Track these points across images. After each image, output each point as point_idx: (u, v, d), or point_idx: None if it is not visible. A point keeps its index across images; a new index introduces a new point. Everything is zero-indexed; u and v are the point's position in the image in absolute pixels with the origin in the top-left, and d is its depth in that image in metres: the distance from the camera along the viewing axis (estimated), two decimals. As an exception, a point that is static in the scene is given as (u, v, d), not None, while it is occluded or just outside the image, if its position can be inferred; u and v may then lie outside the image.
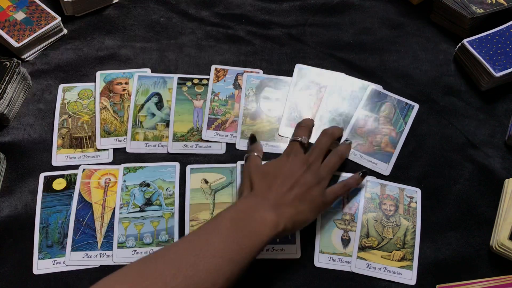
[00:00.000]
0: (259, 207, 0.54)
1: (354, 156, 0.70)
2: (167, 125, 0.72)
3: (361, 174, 0.65)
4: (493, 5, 0.79)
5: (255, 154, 0.64)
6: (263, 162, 0.64)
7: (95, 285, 0.46)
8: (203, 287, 0.47)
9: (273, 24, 0.83)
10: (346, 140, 0.68)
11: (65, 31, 0.80)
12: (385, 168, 0.69)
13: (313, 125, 0.68)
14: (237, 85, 0.76)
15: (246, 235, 0.51)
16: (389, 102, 0.75)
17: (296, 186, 0.57)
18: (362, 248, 0.64)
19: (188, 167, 0.68)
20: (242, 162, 0.68)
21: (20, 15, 0.77)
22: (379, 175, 0.69)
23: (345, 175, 0.68)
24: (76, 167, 0.68)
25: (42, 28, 0.76)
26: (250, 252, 0.51)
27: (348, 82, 0.76)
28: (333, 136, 0.65)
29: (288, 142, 0.65)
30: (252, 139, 0.68)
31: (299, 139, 0.63)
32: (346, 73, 0.77)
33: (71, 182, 0.67)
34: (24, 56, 0.77)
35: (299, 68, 0.77)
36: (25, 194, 0.66)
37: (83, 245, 0.63)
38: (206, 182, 0.67)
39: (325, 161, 0.62)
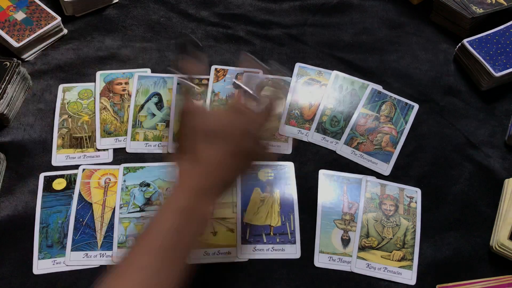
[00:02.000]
0: (204, 202, 0.47)
1: (355, 155, 0.70)
2: (167, 125, 0.72)
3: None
4: (493, 5, 0.79)
5: (188, 83, 0.52)
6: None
7: None
8: None
9: (273, 24, 0.83)
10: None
11: (65, 31, 0.80)
12: (385, 168, 0.69)
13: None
14: (237, 85, 0.76)
15: (190, 241, 0.46)
16: (389, 102, 0.75)
17: (244, 159, 0.51)
18: (362, 248, 0.64)
19: (188, 167, 0.68)
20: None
21: (20, 15, 0.77)
22: (378, 175, 0.69)
23: (347, 176, 0.68)
24: (76, 167, 0.68)
25: (42, 28, 0.76)
26: (187, 272, 0.45)
27: (348, 81, 0.76)
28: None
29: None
30: (181, 45, 0.56)
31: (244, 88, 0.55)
32: (346, 73, 0.77)
33: (71, 182, 0.67)
34: (24, 56, 0.77)
35: (299, 66, 0.77)
36: (25, 194, 0.66)
37: (83, 245, 0.63)
38: (206, 182, 0.67)
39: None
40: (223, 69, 0.77)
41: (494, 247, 0.62)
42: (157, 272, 0.42)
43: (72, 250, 0.62)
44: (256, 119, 0.52)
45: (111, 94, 0.74)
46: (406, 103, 0.75)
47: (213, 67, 0.77)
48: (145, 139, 0.71)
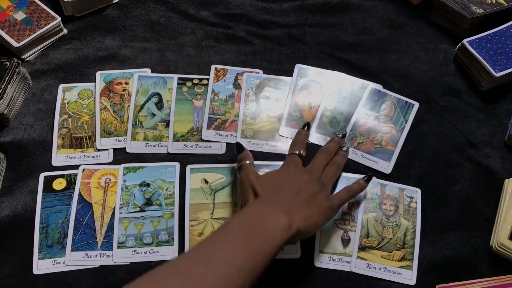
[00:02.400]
0: (269, 211, 0.53)
1: (355, 155, 0.70)
2: (167, 125, 0.72)
3: (365, 178, 0.64)
4: (493, 5, 0.79)
5: (248, 162, 0.62)
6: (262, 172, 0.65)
7: None
8: None
9: (273, 24, 0.83)
10: (342, 148, 0.67)
11: (65, 31, 0.80)
12: (387, 167, 0.69)
13: (308, 136, 0.69)
14: (237, 85, 0.76)
15: (258, 241, 0.50)
16: (389, 101, 0.75)
17: (301, 192, 0.57)
18: (362, 248, 0.64)
19: (188, 167, 0.68)
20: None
21: (20, 15, 0.77)
22: (380, 174, 0.69)
23: (348, 175, 0.68)
24: (76, 167, 0.68)
25: (42, 28, 0.76)
26: (263, 257, 0.49)
27: (348, 81, 0.76)
28: (329, 153, 0.65)
29: (286, 155, 0.65)
30: (239, 147, 0.64)
31: (297, 152, 0.63)
32: (346, 73, 0.77)
33: (71, 182, 0.67)
34: (24, 56, 0.77)
35: (299, 68, 0.77)
36: (25, 194, 0.66)
37: (83, 245, 0.63)
38: (206, 182, 0.67)
39: (324, 171, 0.63)
40: (223, 69, 0.77)
41: (494, 247, 0.62)
42: (223, 254, 0.48)
43: (72, 250, 0.62)
44: (313, 173, 0.62)
45: (111, 94, 0.74)
46: (406, 102, 0.75)
47: (213, 67, 0.77)
48: (145, 139, 0.71)
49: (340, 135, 0.68)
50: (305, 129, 0.68)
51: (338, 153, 0.66)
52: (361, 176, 0.66)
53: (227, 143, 0.71)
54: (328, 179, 0.62)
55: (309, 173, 0.61)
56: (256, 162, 0.65)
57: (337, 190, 0.63)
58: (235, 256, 0.48)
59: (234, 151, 0.64)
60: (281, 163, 0.68)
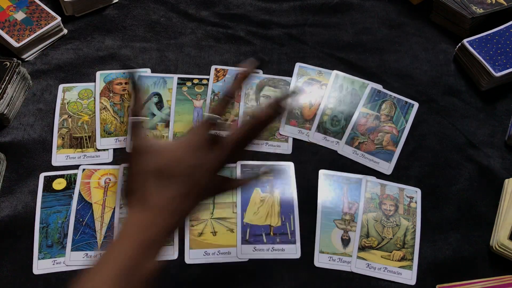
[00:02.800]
0: (151, 254, 0.42)
1: (356, 155, 0.70)
2: (167, 125, 0.72)
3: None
4: (493, 5, 0.79)
5: (138, 119, 0.46)
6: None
7: None
8: None
9: (273, 24, 0.83)
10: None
11: (65, 31, 0.80)
12: (387, 167, 0.69)
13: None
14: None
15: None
16: (389, 101, 0.75)
17: (199, 196, 0.45)
18: (362, 248, 0.64)
19: (188, 167, 0.68)
20: (242, 162, 0.68)
21: (20, 15, 0.77)
22: (380, 175, 0.69)
23: (348, 175, 0.68)
24: (76, 167, 0.68)
25: (42, 28, 0.76)
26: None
27: (349, 80, 0.76)
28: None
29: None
30: (133, 81, 0.47)
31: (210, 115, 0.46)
32: (346, 73, 0.77)
33: (71, 182, 0.67)
34: (24, 56, 0.77)
35: (299, 66, 0.77)
36: (25, 194, 0.66)
37: (83, 245, 0.63)
38: (206, 182, 0.67)
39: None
40: (223, 69, 0.77)
41: (494, 247, 0.62)
42: None
43: (72, 250, 0.62)
44: (216, 152, 0.45)
45: (111, 94, 0.74)
46: (406, 102, 0.75)
47: (213, 67, 0.77)
48: (145, 139, 0.71)
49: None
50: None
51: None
52: (361, 175, 0.65)
53: (227, 143, 0.71)
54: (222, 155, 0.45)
55: (203, 153, 0.45)
56: (256, 162, 0.65)
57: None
58: None
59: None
60: (281, 163, 0.68)
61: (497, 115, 0.75)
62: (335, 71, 0.77)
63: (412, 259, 0.63)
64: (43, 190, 0.66)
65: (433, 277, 0.62)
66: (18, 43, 0.74)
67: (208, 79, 0.76)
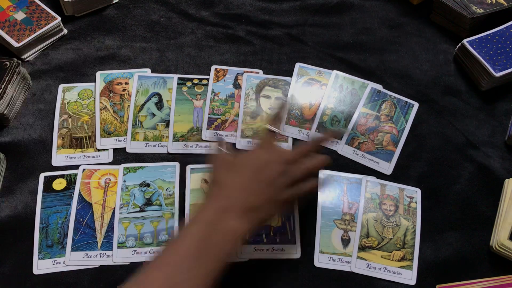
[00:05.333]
0: (223, 217, 0.51)
1: (356, 155, 0.70)
2: (167, 125, 0.72)
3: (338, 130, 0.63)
4: (493, 5, 0.79)
5: (218, 147, 0.60)
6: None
7: None
8: None
9: (273, 24, 0.83)
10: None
11: (65, 31, 0.80)
12: (387, 167, 0.69)
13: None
14: (237, 85, 0.76)
15: (213, 259, 0.49)
16: (389, 101, 0.75)
17: (270, 186, 0.53)
18: (362, 248, 0.64)
19: (188, 167, 0.68)
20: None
21: (20, 15, 0.77)
22: (380, 175, 0.69)
23: (348, 176, 0.68)
24: (76, 167, 0.68)
25: (42, 28, 0.76)
26: (217, 275, 0.48)
27: (349, 80, 0.76)
28: (317, 145, 0.61)
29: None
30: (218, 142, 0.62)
31: (272, 128, 0.59)
32: (346, 73, 0.77)
33: (71, 182, 0.67)
34: (24, 56, 0.77)
35: (299, 66, 0.77)
36: (25, 194, 0.66)
37: (83, 245, 0.63)
38: (206, 182, 0.67)
39: (303, 163, 0.57)
40: (223, 69, 0.77)
41: (494, 247, 0.62)
42: (184, 271, 0.47)
43: (72, 250, 0.62)
44: (283, 154, 0.57)
45: (111, 94, 0.74)
46: (406, 102, 0.75)
47: (213, 67, 0.77)
48: (145, 139, 0.71)
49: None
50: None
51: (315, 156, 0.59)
52: (361, 175, 0.65)
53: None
54: (301, 172, 0.55)
55: (277, 159, 0.55)
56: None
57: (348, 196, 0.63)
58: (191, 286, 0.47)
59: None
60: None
61: (497, 115, 0.75)
62: (335, 71, 0.77)
63: (412, 259, 0.63)
64: (43, 190, 0.66)
65: (433, 277, 0.62)
66: (18, 43, 0.74)
67: (208, 79, 0.76)
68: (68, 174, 0.67)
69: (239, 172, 0.54)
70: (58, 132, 0.71)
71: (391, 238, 0.64)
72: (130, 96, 0.74)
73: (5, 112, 0.69)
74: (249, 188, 0.53)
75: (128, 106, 0.73)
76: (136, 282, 0.47)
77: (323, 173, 0.68)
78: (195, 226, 0.51)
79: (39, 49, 0.78)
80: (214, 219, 0.51)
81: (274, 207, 0.54)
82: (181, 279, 0.47)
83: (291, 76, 0.77)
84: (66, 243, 0.62)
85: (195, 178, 0.67)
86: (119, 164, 0.69)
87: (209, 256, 0.49)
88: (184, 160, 0.69)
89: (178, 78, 0.76)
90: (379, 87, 0.76)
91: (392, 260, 0.63)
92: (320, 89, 0.76)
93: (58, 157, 0.69)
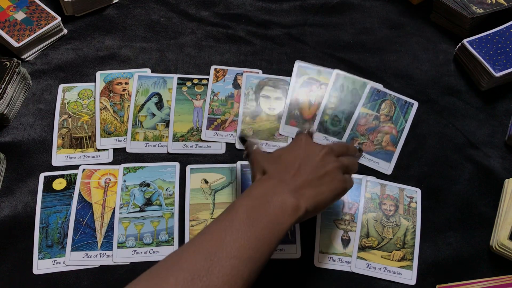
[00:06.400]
0: (276, 190, 0.50)
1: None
2: (167, 125, 0.72)
3: (358, 147, 0.63)
4: (493, 5, 0.79)
5: (255, 147, 0.59)
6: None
7: None
8: None
9: (273, 24, 0.83)
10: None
11: (65, 31, 0.80)
12: (387, 167, 0.69)
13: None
14: (236, 85, 0.76)
15: (265, 226, 0.47)
16: (388, 100, 0.75)
17: (316, 167, 0.53)
18: (362, 248, 0.64)
19: (188, 167, 0.68)
20: (242, 162, 0.68)
21: (20, 15, 0.77)
22: (380, 175, 0.69)
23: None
24: (76, 167, 0.68)
25: (42, 28, 0.76)
26: (270, 244, 0.47)
27: (350, 80, 0.76)
28: (349, 150, 0.61)
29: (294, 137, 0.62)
30: (242, 140, 0.62)
31: (305, 130, 0.59)
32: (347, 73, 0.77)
33: (71, 182, 0.67)
34: (24, 56, 0.77)
35: (299, 65, 0.77)
36: (25, 194, 0.66)
37: (83, 245, 0.63)
38: (206, 182, 0.67)
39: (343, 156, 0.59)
40: (222, 69, 0.77)
41: (494, 247, 0.62)
42: (234, 231, 0.47)
43: (72, 250, 0.62)
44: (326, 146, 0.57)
45: (111, 94, 0.74)
46: (406, 101, 0.75)
47: (212, 67, 0.77)
48: (145, 139, 0.71)
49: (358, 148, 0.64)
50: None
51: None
52: (361, 175, 0.65)
53: (226, 143, 0.71)
54: (347, 159, 0.58)
55: (323, 146, 0.56)
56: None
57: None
58: (241, 248, 0.46)
59: (239, 145, 0.68)
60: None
61: (497, 115, 0.75)
62: (336, 70, 0.77)
63: (412, 259, 0.63)
64: (43, 190, 0.66)
65: (433, 277, 0.62)
66: (18, 43, 0.74)
67: (208, 79, 0.76)
68: (68, 174, 0.67)
69: (283, 160, 0.55)
70: (58, 132, 0.71)
71: (391, 238, 0.64)
72: (130, 96, 0.74)
73: (5, 112, 0.69)
74: (298, 167, 0.53)
75: (128, 106, 0.73)
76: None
77: None
78: (245, 199, 0.50)
79: (39, 49, 0.78)
80: (265, 193, 0.50)
81: (329, 182, 0.53)
82: (232, 238, 0.46)
83: (291, 76, 0.77)
84: (66, 243, 0.62)
85: (195, 178, 0.67)
86: (119, 164, 0.69)
87: (261, 223, 0.48)
88: (184, 160, 0.69)
89: (178, 78, 0.76)
90: (379, 86, 0.76)
91: (392, 260, 0.63)
92: (319, 89, 0.76)
93: (58, 157, 0.69)
